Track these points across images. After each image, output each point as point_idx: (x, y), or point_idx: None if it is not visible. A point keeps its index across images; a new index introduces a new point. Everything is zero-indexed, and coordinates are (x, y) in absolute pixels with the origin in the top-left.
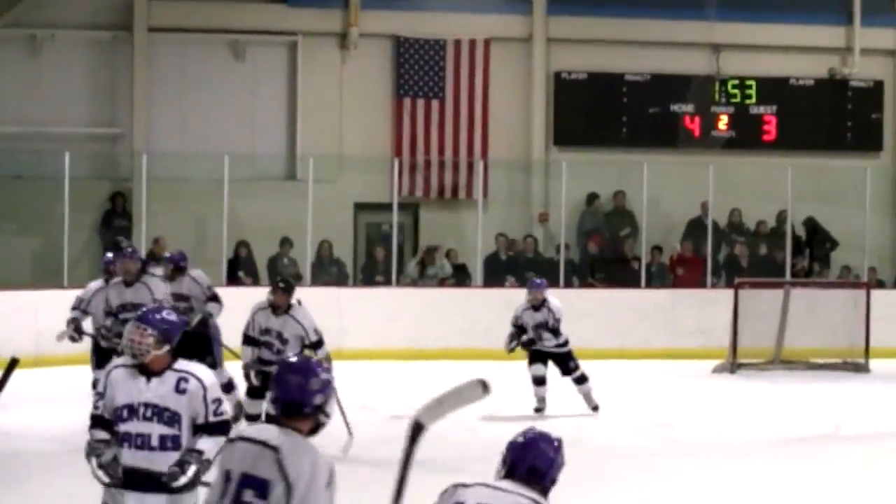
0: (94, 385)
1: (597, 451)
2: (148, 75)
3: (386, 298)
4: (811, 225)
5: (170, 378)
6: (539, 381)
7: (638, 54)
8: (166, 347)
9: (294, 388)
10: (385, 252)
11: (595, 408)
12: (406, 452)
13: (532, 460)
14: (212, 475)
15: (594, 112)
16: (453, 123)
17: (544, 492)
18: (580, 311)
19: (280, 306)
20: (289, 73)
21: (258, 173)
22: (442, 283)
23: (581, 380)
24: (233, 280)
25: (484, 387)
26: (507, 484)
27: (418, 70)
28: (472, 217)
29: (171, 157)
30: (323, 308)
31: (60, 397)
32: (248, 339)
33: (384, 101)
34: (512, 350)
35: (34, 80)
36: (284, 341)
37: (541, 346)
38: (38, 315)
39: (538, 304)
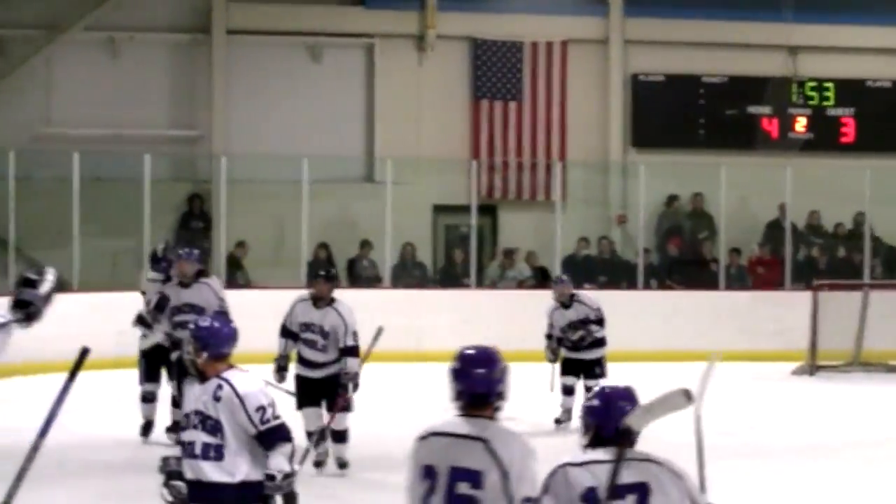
0: (145, 398)
1: (675, 454)
2: (226, 77)
3: (465, 300)
4: None
5: (211, 385)
6: (568, 391)
7: (715, 56)
8: (204, 355)
9: (480, 381)
10: (464, 254)
11: (558, 421)
12: (617, 456)
13: (617, 422)
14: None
15: (671, 114)
16: (531, 125)
17: (632, 445)
18: (658, 312)
19: (323, 297)
20: (366, 74)
21: (337, 175)
22: (521, 285)
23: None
24: (312, 282)
25: (687, 396)
26: (606, 453)
27: (496, 72)
28: (551, 218)
29: (250, 159)
30: (402, 310)
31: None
32: (284, 331)
33: (461, 102)
34: (555, 360)
35: (114, 82)
36: (325, 335)
37: (571, 343)
38: (118, 316)
39: (567, 302)
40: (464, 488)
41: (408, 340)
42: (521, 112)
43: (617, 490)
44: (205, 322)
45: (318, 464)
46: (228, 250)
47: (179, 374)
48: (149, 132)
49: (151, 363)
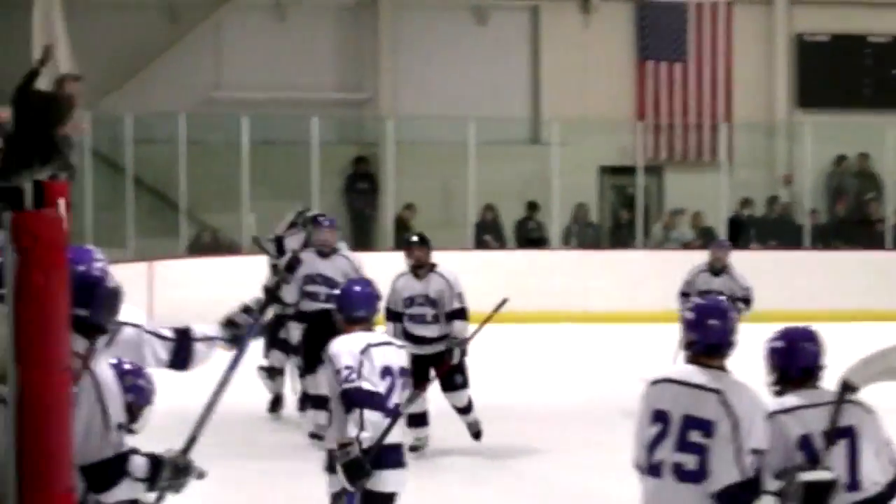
0: (270, 373)
1: None
2: (393, 40)
3: (632, 262)
4: None
5: None
6: None
7: (881, 15)
8: (339, 317)
9: (717, 331)
10: (630, 215)
11: None
12: (833, 409)
13: (801, 362)
14: None
15: (837, 74)
16: (696, 86)
17: (815, 380)
18: (825, 273)
19: (422, 264)
20: (531, 37)
21: (503, 137)
22: (685, 246)
23: None
24: (480, 244)
25: None
26: (804, 397)
27: (661, 33)
28: (716, 179)
29: (417, 122)
30: (570, 271)
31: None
32: (390, 314)
33: (627, 64)
34: None
35: (281, 46)
36: (433, 303)
37: None
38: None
39: (719, 269)
40: (695, 436)
41: (575, 301)
42: (687, 73)
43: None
44: (345, 284)
45: (414, 448)
46: (396, 212)
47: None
48: (316, 95)
49: (274, 335)
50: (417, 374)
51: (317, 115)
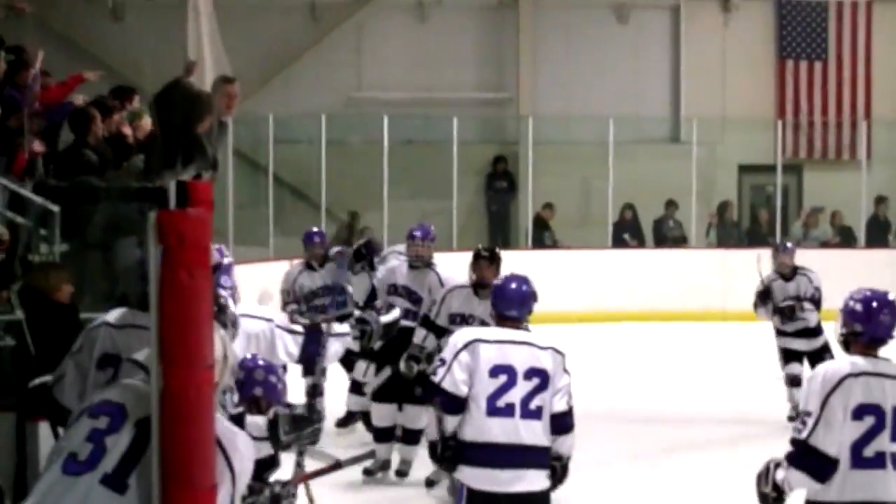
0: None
1: None
2: (534, 39)
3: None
4: None
5: None
6: (794, 382)
7: None
8: (492, 312)
9: (886, 325)
10: (769, 214)
11: (790, 418)
12: None
13: (875, 330)
14: None
15: None
16: (836, 84)
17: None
18: None
19: (487, 283)
20: (672, 36)
21: (642, 136)
22: (824, 245)
23: None
24: (618, 243)
25: None
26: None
27: (801, 32)
28: (856, 177)
29: (557, 121)
30: (708, 269)
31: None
32: (426, 322)
33: (766, 62)
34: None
35: (423, 46)
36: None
37: (796, 324)
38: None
39: (789, 274)
40: None
41: (714, 300)
42: (826, 71)
43: None
44: (499, 281)
45: (368, 472)
46: (535, 211)
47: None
48: (457, 95)
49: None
50: None
51: (457, 114)
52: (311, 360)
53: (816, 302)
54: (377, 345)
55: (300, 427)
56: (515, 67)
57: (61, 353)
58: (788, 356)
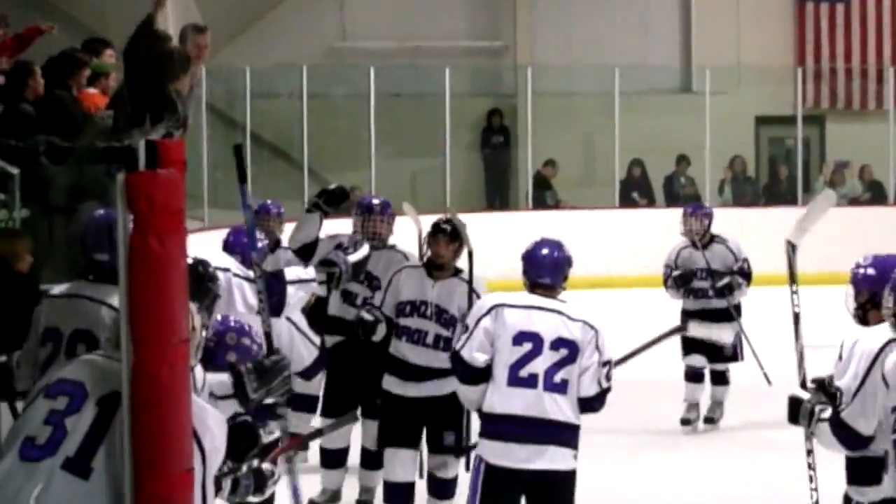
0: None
1: None
2: None
3: (791, 220)
4: None
5: None
6: (693, 377)
7: None
8: (524, 279)
9: None
10: (789, 169)
11: (708, 420)
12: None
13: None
14: None
15: None
16: (860, 28)
17: None
18: None
19: (445, 264)
20: None
21: (650, 86)
22: (853, 202)
23: (722, 379)
24: (626, 202)
25: (832, 196)
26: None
27: None
28: (883, 129)
29: (557, 71)
30: (724, 231)
31: None
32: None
33: (785, 5)
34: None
35: None
36: (446, 322)
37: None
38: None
39: (699, 242)
40: None
41: None
42: (850, 14)
43: None
44: (531, 245)
45: None
46: (535, 169)
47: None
48: (448, 44)
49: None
50: (394, 432)
51: (448, 65)
52: (275, 310)
53: (745, 274)
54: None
55: (268, 379)
56: (512, 13)
57: (18, 328)
58: (689, 346)
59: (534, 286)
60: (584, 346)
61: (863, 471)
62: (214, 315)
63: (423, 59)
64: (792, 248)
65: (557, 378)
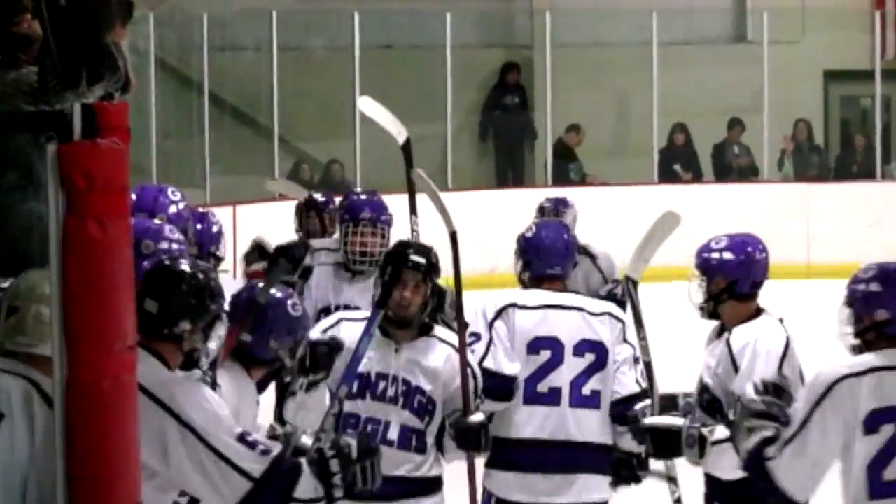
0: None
1: None
2: None
3: (867, 197)
4: None
5: None
6: None
7: None
8: (524, 275)
9: None
10: (866, 135)
11: None
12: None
13: None
14: None
15: None
16: None
17: None
18: None
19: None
20: None
21: (696, 35)
22: None
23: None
24: (667, 176)
25: (675, 217)
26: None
27: None
28: None
29: (582, 17)
30: (788, 210)
31: None
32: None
33: None
34: None
35: None
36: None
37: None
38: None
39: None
40: None
41: (795, 251)
42: None
43: None
44: (528, 233)
45: None
46: (556, 136)
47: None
48: None
49: None
50: None
51: (450, 9)
52: None
53: (618, 301)
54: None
55: (351, 465)
56: None
57: None
58: None
59: (541, 279)
60: (613, 343)
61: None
62: (217, 338)
63: (420, 2)
64: (633, 284)
65: (586, 390)
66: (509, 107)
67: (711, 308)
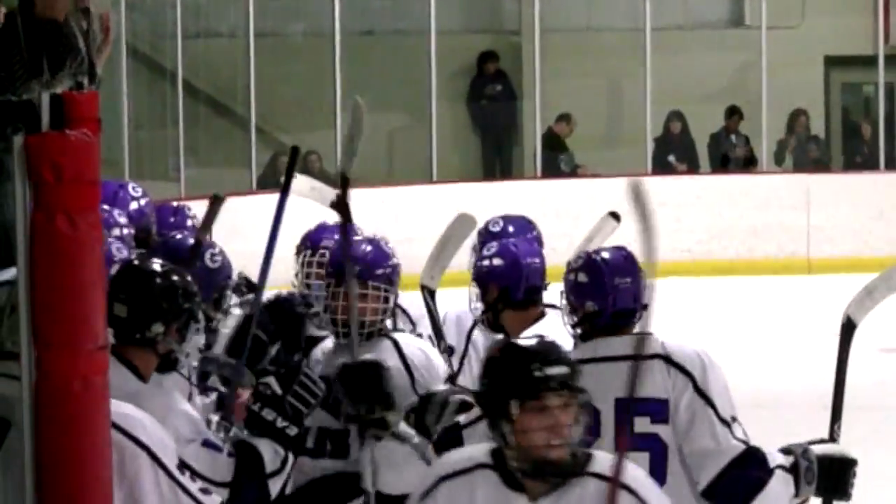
0: None
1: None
2: None
3: (871, 189)
4: None
5: None
6: None
7: None
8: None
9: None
10: (870, 124)
11: None
12: (840, 355)
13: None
14: None
15: None
16: None
17: None
18: None
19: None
20: None
21: (691, 19)
22: None
23: None
24: (662, 167)
25: (471, 220)
26: None
27: None
28: None
29: (572, 0)
30: (788, 202)
31: None
32: None
33: None
34: None
35: None
36: None
37: None
38: (399, 217)
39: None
40: None
41: (795, 246)
42: None
43: None
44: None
45: None
46: (545, 125)
47: None
48: None
49: None
50: None
51: None
52: None
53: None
54: None
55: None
56: None
57: None
58: None
59: (521, 306)
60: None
61: None
62: (192, 344)
63: None
64: (429, 293)
65: None
66: (495, 96)
67: (491, 318)
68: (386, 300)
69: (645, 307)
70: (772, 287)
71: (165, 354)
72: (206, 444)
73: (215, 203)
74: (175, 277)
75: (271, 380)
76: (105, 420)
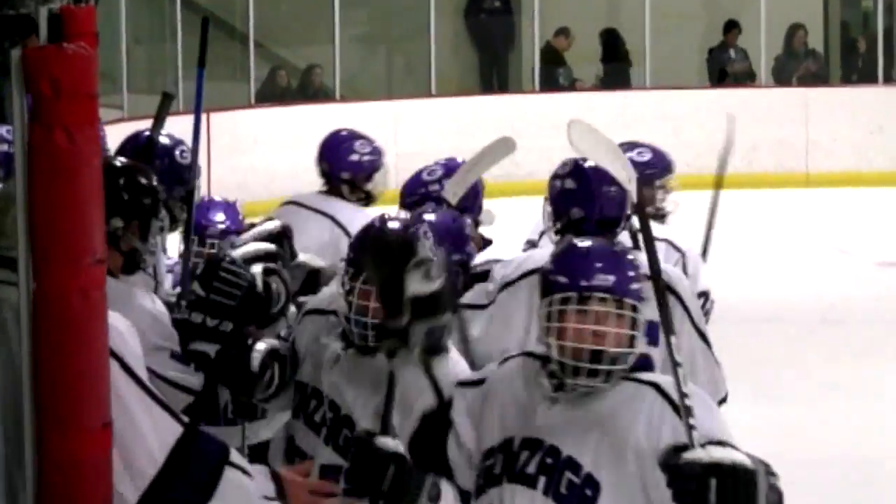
0: None
1: None
2: None
3: (869, 103)
4: None
5: None
6: None
7: None
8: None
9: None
10: (868, 39)
11: None
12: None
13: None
14: None
15: None
16: None
17: None
18: None
19: None
20: None
21: None
22: None
23: None
24: (659, 81)
25: (510, 142)
26: None
27: None
28: None
29: None
30: (787, 116)
31: None
32: None
33: None
34: None
35: None
36: None
37: None
38: (398, 131)
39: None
40: None
41: (795, 160)
42: None
43: None
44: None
45: None
46: (543, 39)
47: None
48: None
49: None
50: None
51: None
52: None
53: None
54: None
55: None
56: None
57: None
58: None
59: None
60: None
61: None
62: (157, 243)
63: None
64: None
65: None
66: (491, 10)
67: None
68: None
69: (629, 218)
70: (770, 201)
71: (129, 253)
72: (175, 356)
73: (166, 100)
74: (135, 172)
75: (195, 284)
76: (103, 335)
